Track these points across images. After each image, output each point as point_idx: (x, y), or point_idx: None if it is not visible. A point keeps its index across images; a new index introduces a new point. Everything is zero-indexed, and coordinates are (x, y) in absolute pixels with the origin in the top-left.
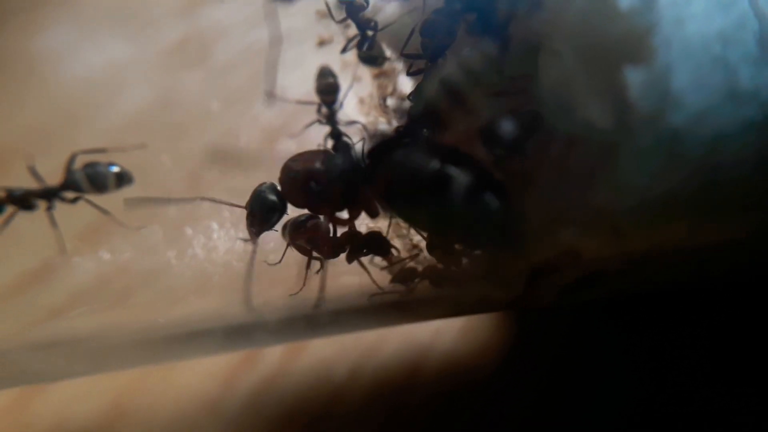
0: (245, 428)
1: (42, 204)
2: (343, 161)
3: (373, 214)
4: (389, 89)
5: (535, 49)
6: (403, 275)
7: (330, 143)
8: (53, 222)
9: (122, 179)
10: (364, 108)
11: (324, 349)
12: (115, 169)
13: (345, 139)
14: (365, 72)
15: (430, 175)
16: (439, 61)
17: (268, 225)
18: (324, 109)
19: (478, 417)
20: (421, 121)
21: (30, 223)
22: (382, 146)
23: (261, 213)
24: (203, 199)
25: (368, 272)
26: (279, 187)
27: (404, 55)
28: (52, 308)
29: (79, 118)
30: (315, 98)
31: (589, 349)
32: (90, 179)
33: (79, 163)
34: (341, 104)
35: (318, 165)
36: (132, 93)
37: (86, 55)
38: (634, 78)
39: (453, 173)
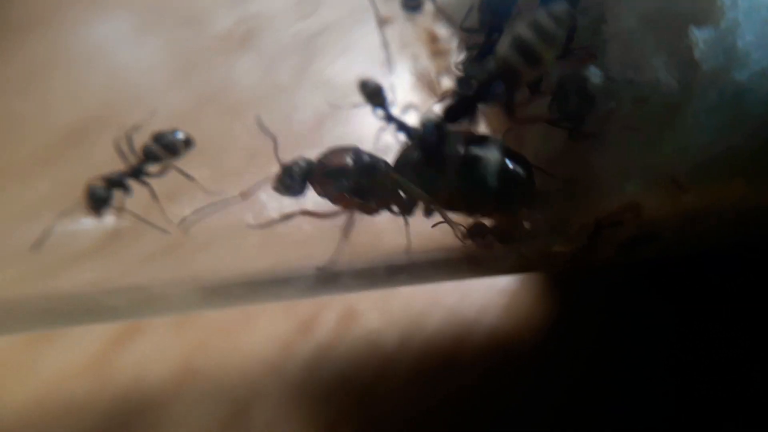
0: (304, 391)
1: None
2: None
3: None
4: (445, 66)
5: (602, 14)
6: (474, 231)
7: (401, 137)
8: (154, 195)
9: (188, 143)
10: (421, 85)
11: (374, 320)
12: (180, 134)
13: (411, 125)
14: (422, 51)
15: (460, 158)
16: (495, 35)
17: (286, 194)
18: (379, 111)
19: (522, 391)
20: (497, 79)
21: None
22: (461, 104)
23: (281, 182)
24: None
25: (449, 221)
26: (312, 170)
27: (463, 29)
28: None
29: (135, 104)
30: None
31: (634, 325)
32: (164, 147)
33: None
34: (393, 97)
35: (349, 161)
36: (185, 80)
37: (143, 42)
38: (701, 36)
39: (480, 153)
